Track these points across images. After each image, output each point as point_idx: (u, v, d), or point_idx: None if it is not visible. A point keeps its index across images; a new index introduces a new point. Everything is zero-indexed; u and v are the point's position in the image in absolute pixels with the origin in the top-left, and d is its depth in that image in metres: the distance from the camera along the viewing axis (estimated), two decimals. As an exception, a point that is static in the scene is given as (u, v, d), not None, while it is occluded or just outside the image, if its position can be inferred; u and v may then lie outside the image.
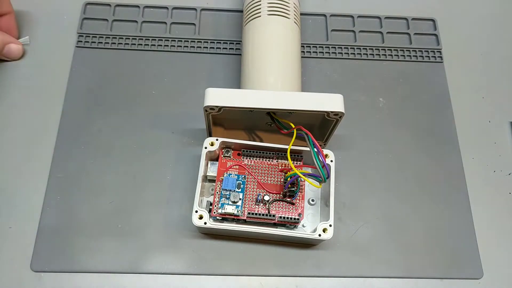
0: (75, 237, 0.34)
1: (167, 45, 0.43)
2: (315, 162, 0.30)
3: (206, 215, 0.31)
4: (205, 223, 0.31)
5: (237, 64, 0.41)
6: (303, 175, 0.31)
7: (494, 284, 0.35)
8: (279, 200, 0.33)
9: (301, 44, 0.40)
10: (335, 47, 0.44)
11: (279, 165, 0.34)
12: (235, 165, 0.34)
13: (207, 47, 0.43)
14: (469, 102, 0.43)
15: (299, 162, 0.35)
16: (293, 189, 0.32)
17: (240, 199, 0.33)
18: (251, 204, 0.33)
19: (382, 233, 0.36)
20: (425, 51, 0.45)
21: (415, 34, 0.46)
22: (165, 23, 0.44)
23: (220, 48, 0.43)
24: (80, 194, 0.36)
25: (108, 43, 0.43)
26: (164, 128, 0.39)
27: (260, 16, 0.37)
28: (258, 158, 0.35)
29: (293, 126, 0.32)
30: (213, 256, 0.34)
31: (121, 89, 0.41)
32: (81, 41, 0.43)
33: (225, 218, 0.32)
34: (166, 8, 0.45)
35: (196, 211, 0.31)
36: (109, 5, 0.45)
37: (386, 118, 0.41)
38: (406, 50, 0.45)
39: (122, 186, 0.37)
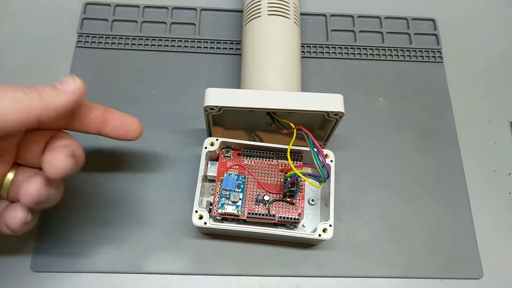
0: (75, 237, 0.34)
1: (167, 45, 0.43)
2: (315, 162, 0.30)
3: (206, 215, 0.31)
4: (205, 223, 0.31)
5: (237, 64, 0.41)
6: (303, 175, 0.30)
7: (494, 284, 0.35)
8: (279, 200, 0.33)
9: (301, 44, 0.40)
10: (335, 47, 0.44)
11: (279, 165, 0.34)
12: (235, 165, 0.34)
13: (207, 47, 0.43)
14: (469, 102, 0.43)
15: (299, 162, 0.35)
16: (293, 189, 0.32)
17: (240, 199, 0.33)
18: (251, 204, 0.33)
19: (382, 233, 0.36)
20: (425, 51, 0.45)
21: (415, 34, 0.46)
22: (165, 23, 0.44)
23: (220, 48, 0.43)
24: (80, 194, 0.36)
25: (108, 43, 0.43)
26: (164, 128, 0.39)
27: (260, 16, 0.37)
28: (258, 158, 0.35)
29: (293, 126, 0.32)
30: (213, 256, 0.34)
31: (121, 89, 0.41)
32: (81, 41, 0.43)
33: (225, 218, 0.32)
34: (166, 8, 0.45)
35: (196, 211, 0.31)
36: (109, 5, 0.45)
37: (386, 118, 0.41)
38: (406, 50, 0.45)
39: (122, 186, 0.36)
